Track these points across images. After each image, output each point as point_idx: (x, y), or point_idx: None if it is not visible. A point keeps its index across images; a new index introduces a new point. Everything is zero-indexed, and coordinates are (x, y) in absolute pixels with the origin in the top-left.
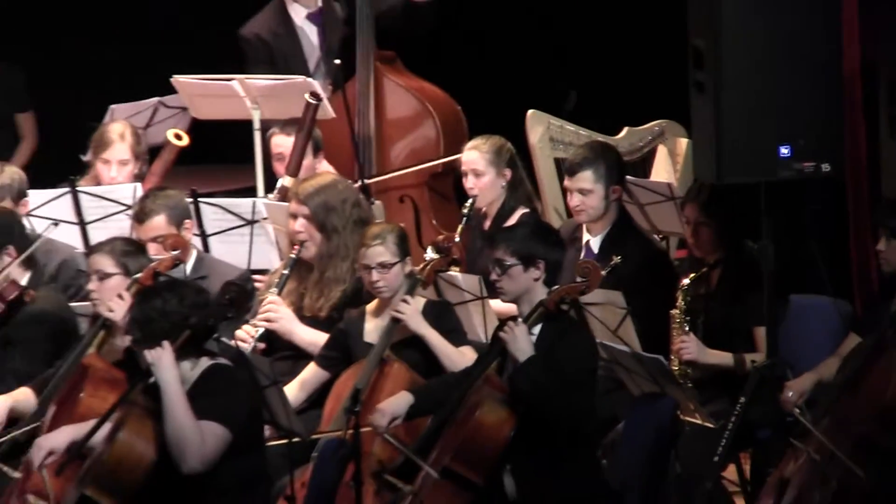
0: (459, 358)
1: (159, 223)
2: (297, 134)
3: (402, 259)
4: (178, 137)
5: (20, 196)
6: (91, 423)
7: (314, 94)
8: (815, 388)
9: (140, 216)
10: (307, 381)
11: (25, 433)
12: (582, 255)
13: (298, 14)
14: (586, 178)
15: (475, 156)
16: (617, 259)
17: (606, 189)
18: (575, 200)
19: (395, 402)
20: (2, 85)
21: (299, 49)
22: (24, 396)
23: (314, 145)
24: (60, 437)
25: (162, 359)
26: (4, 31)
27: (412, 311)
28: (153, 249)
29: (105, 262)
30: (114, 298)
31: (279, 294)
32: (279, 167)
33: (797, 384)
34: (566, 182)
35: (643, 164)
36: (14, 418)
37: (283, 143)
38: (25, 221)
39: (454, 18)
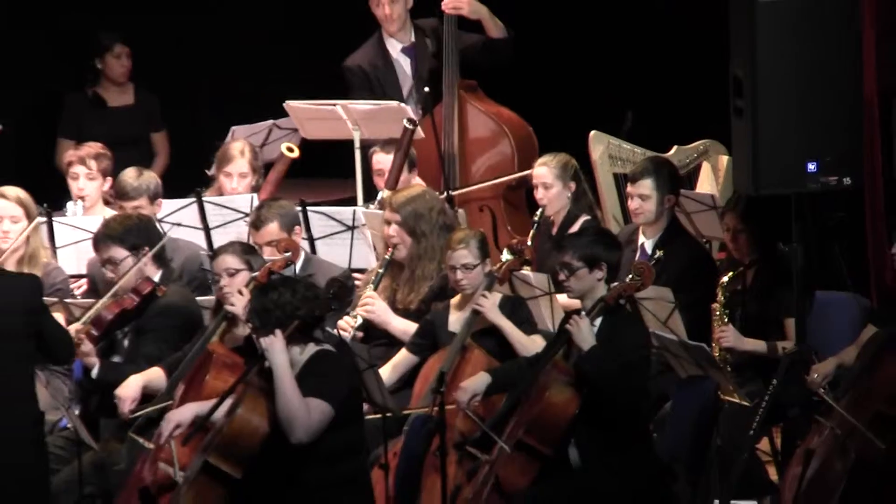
0: (531, 345)
1: (273, 229)
2: (395, 153)
3: (483, 261)
4: (291, 150)
5: (155, 196)
6: (213, 400)
7: (411, 121)
8: (837, 370)
9: (256, 223)
10: (399, 364)
11: (158, 409)
12: (637, 255)
13: (395, 48)
14: (646, 186)
15: (544, 171)
16: (660, 253)
17: (662, 197)
18: (635, 204)
19: (475, 382)
20: (140, 108)
21: (395, 78)
22: (155, 375)
23: (409, 162)
24: (186, 413)
25: (274, 345)
26: (143, 62)
27: (490, 305)
28: (267, 252)
29: (233, 261)
30: (236, 293)
31: (375, 289)
32: (379, 181)
33: (821, 367)
34: (629, 188)
35: (689, 178)
36: (147, 395)
37: (382, 160)
38: (158, 226)
39: (528, 52)
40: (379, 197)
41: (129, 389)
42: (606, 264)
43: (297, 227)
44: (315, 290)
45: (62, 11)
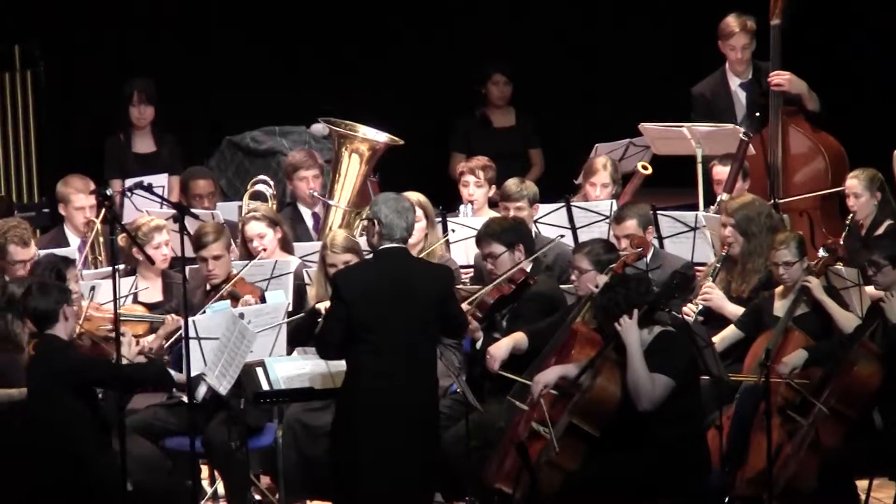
0: (847, 321)
1: (632, 224)
2: (732, 163)
3: (800, 258)
4: (645, 168)
5: (533, 201)
6: (575, 367)
7: (746, 134)
8: None
9: (619, 218)
10: (726, 337)
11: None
12: None
13: (734, 82)
14: None
15: (855, 182)
16: None
17: None
18: None
19: (794, 357)
20: (520, 128)
21: (731, 106)
22: (520, 337)
23: (743, 172)
24: (551, 374)
25: (628, 325)
26: (522, 89)
27: (816, 284)
28: (623, 244)
29: (583, 262)
30: (587, 285)
31: (713, 280)
32: (718, 189)
33: None
34: None
35: None
36: (514, 356)
37: (721, 172)
38: (532, 226)
39: (845, 87)
40: (718, 200)
41: (500, 349)
42: None
43: (650, 227)
44: (648, 285)
45: (449, 46)
